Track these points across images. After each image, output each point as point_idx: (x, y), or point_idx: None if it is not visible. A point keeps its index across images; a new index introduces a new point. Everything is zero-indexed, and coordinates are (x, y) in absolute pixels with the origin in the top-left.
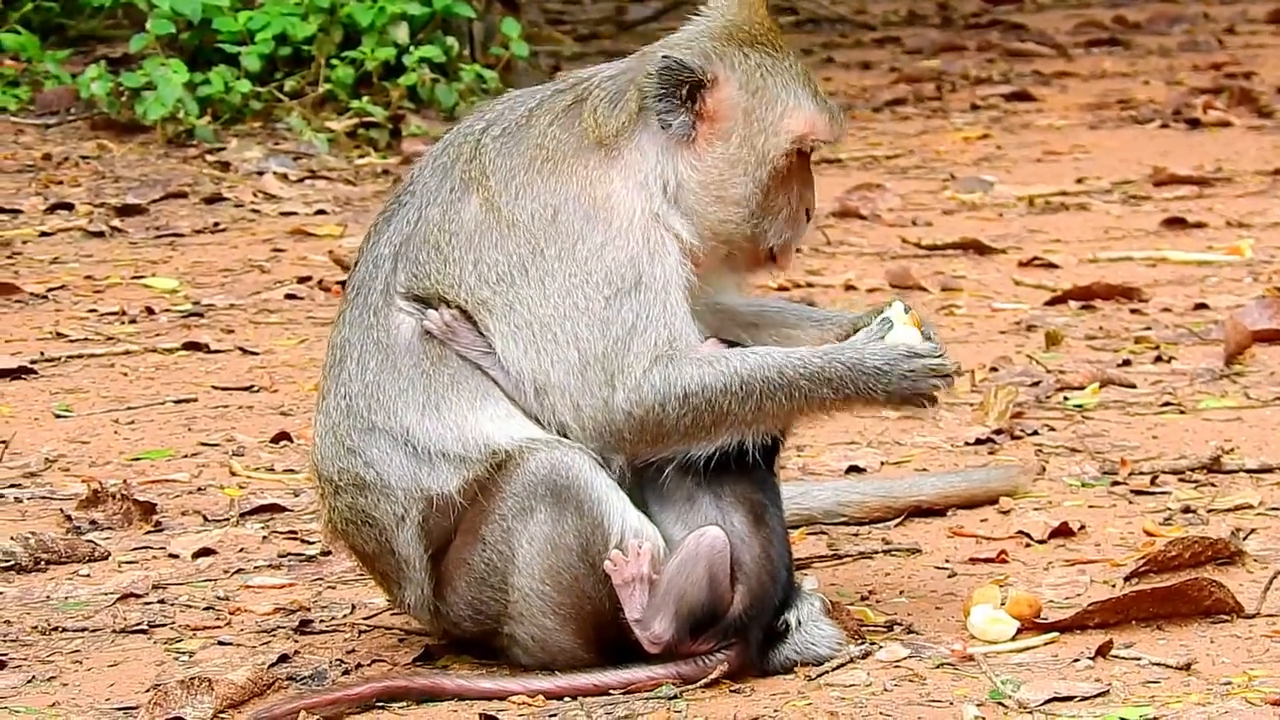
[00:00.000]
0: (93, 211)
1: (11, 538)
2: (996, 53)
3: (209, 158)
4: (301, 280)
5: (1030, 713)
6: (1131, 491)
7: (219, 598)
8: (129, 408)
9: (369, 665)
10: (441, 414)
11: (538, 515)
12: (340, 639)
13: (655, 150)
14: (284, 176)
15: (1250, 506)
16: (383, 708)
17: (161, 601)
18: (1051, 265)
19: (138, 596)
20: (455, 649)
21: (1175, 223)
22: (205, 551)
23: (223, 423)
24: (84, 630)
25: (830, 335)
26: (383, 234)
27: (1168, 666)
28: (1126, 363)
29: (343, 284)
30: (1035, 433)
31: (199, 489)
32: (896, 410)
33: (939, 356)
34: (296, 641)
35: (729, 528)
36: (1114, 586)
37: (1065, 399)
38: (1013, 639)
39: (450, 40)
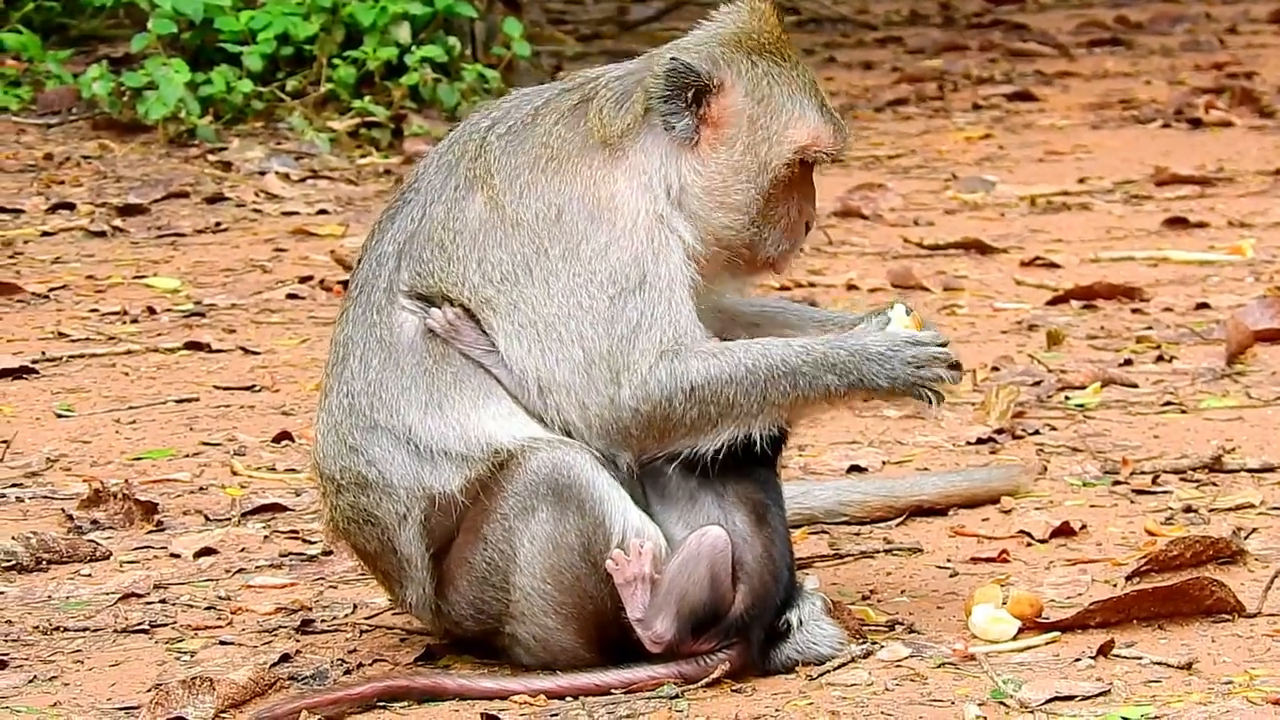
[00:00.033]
0: (94, 211)
1: (13, 537)
2: (998, 52)
3: (211, 157)
4: (303, 280)
5: (1031, 712)
6: (1133, 491)
7: (220, 597)
8: (130, 407)
9: (370, 665)
10: (444, 412)
11: (539, 514)
12: (342, 638)
13: (660, 152)
14: (286, 176)
15: (1251, 506)
16: (384, 707)
17: (163, 601)
18: (1053, 265)
19: (139, 596)
20: (457, 648)
21: (1177, 222)
22: (207, 551)
23: (224, 422)
24: (85, 630)
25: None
26: (386, 232)
27: (1169, 666)
28: (1128, 362)
29: (344, 284)
30: (1037, 432)
31: (200, 489)
32: (901, 402)
33: (942, 345)
34: (298, 641)
35: (731, 527)
36: (1115, 586)
37: (1067, 398)
38: (1014, 638)
39: (452, 40)
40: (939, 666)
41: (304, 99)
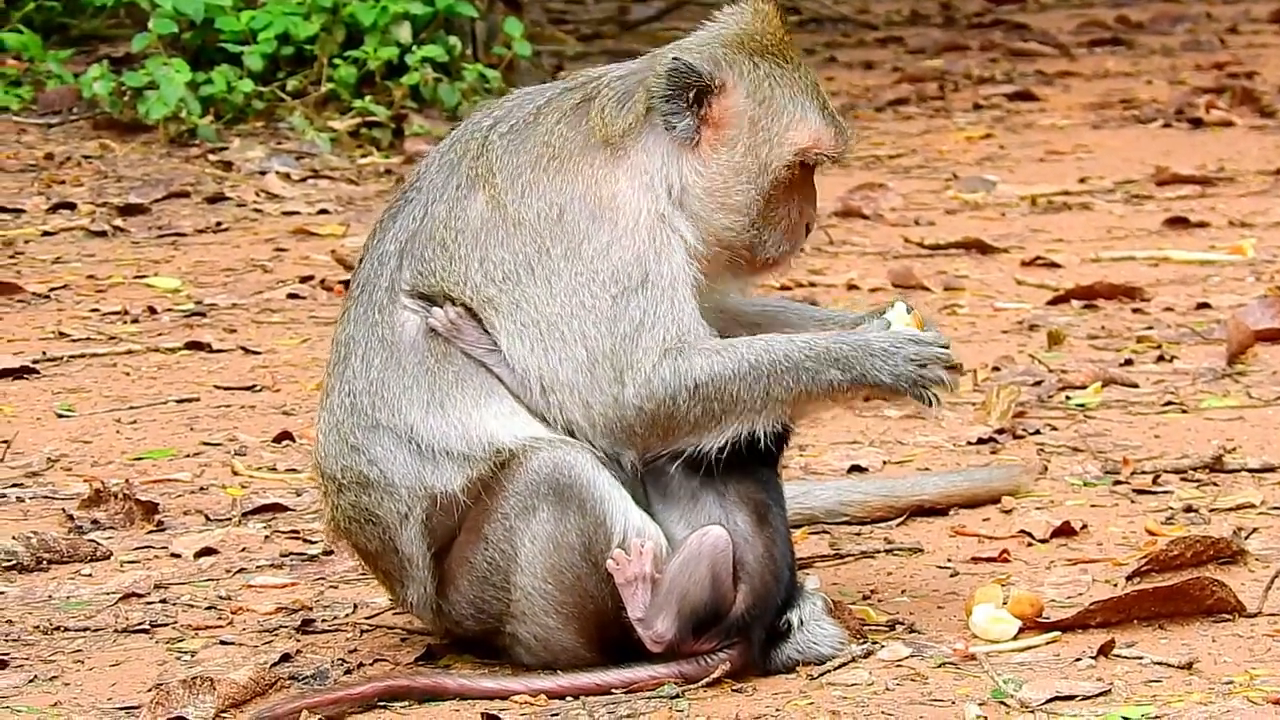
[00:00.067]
0: (95, 211)
1: (14, 537)
2: (999, 52)
3: (211, 157)
4: (304, 280)
5: (1032, 712)
6: (1133, 491)
7: (221, 597)
8: (131, 407)
9: (371, 664)
10: (446, 412)
11: (540, 514)
12: (342, 638)
13: (661, 152)
14: (286, 176)
15: (1252, 506)
16: (385, 707)
17: (163, 601)
18: (1054, 265)
19: (140, 596)
20: (457, 648)
21: (1177, 222)
22: (207, 551)
23: (225, 422)
24: (86, 630)
25: None
26: (388, 231)
27: (1169, 666)
28: (1129, 362)
29: (345, 283)
30: (1037, 432)
31: (201, 488)
32: (902, 400)
33: (944, 346)
34: (298, 641)
35: (732, 527)
36: (1116, 586)
37: (1067, 398)
38: (1014, 638)
39: (453, 40)
40: (939, 666)
41: (305, 99)
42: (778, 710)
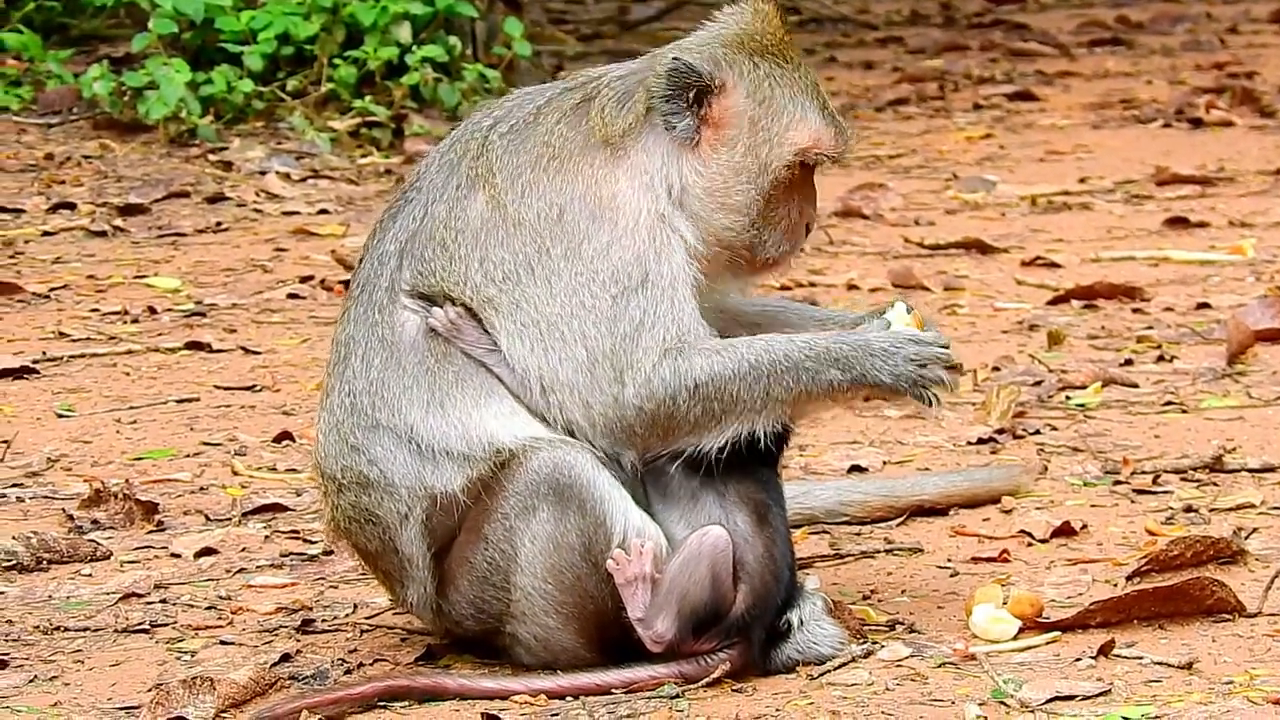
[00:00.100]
0: (95, 211)
1: (14, 537)
2: (999, 52)
3: (211, 157)
4: (304, 280)
5: (1032, 712)
6: (1133, 491)
7: (221, 597)
8: (131, 407)
9: (371, 665)
10: (446, 411)
11: (540, 514)
12: (342, 638)
13: (661, 152)
14: (286, 176)
15: (1252, 506)
16: (385, 707)
17: (163, 601)
18: (1054, 265)
19: (140, 596)
20: (457, 648)
21: (1178, 222)
22: (207, 551)
23: (225, 422)
24: (86, 630)
25: None
26: (388, 230)
27: (1170, 666)
28: (1129, 362)
29: (345, 283)
30: (1037, 432)
31: (201, 488)
32: (902, 400)
33: (944, 346)
34: (298, 641)
35: (732, 527)
36: (1116, 586)
37: (1067, 398)
38: (1014, 638)
39: (453, 40)
40: (939, 666)
41: (305, 99)
42: (778, 710)
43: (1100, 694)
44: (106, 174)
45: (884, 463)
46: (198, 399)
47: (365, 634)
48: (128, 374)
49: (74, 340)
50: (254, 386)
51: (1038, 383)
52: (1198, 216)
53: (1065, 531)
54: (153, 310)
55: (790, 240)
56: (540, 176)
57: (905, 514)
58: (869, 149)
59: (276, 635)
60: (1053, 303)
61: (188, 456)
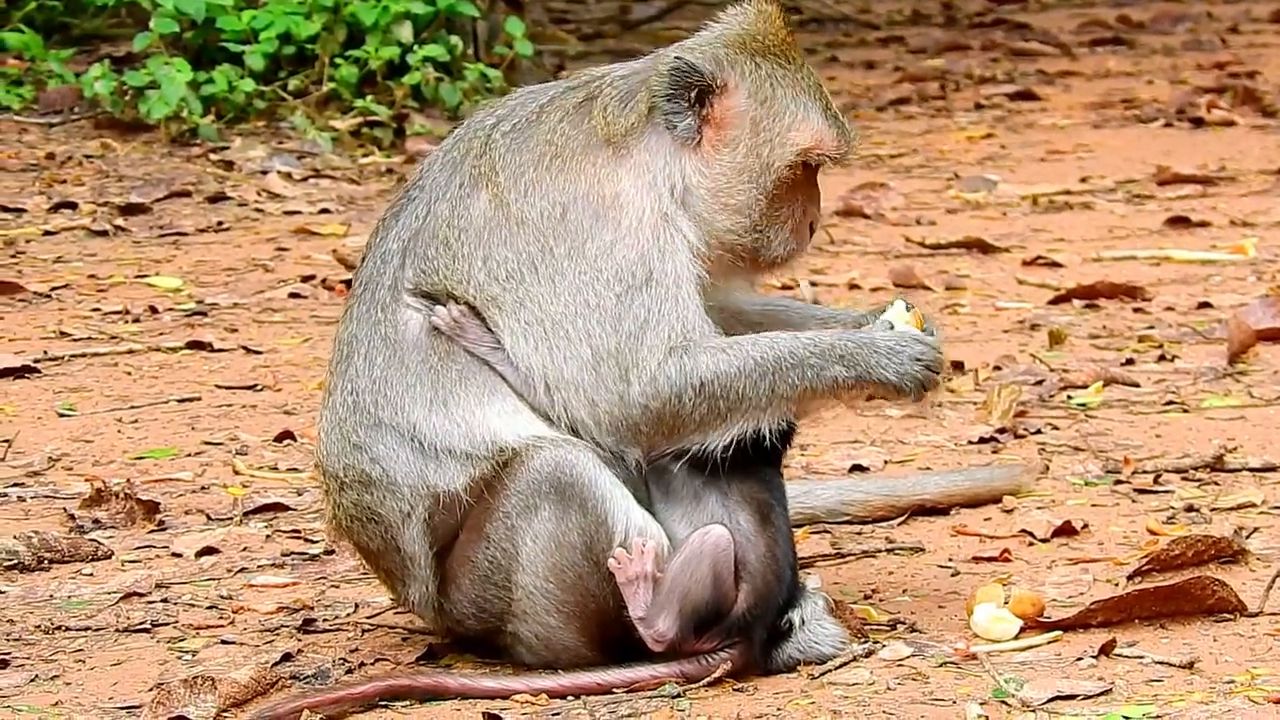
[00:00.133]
0: (96, 210)
1: (15, 537)
2: (1000, 52)
3: (213, 157)
4: (305, 279)
5: (1033, 711)
6: (1134, 490)
7: (222, 597)
8: (132, 407)
9: (372, 664)
10: (449, 410)
11: (542, 513)
12: (343, 638)
13: (664, 152)
14: (288, 175)
15: (1253, 505)
16: (386, 707)
17: (164, 600)
18: (1055, 264)
19: (141, 595)
20: (459, 647)
21: (1179, 222)
22: (208, 550)
23: (226, 422)
24: (87, 629)
25: None
26: (391, 229)
27: (1171, 665)
28: (1130, 361)
29: (347, 283)
30: (1039, 431)
31: (202, 488)
32: (903, 400)
33: (938, 350)
34: (300, 640)
35: (734, 526)
36: (1117, 585)
37: (1069, 398)
38: (1016, 638)
39: (454, 39)
40: (941, 666)
41: (306, 98)
42: (779, 710)
43: (1101, 693)
44: (108, 173)
45: (885, 462)
46: (199, 398)
47: (366, 633)
48: (129, 373)
49: (75, 340)
50: (255, 386)
51: (1039, 382)
52: (1199, 216)
53: (1066, 531)
54: (154, 310)
55: (795, 240)
56: (543, 175)
57: (907, 513)
58: (870, 148)
59: (278, 635)
60: (1054, 302)
61: (189, 456)
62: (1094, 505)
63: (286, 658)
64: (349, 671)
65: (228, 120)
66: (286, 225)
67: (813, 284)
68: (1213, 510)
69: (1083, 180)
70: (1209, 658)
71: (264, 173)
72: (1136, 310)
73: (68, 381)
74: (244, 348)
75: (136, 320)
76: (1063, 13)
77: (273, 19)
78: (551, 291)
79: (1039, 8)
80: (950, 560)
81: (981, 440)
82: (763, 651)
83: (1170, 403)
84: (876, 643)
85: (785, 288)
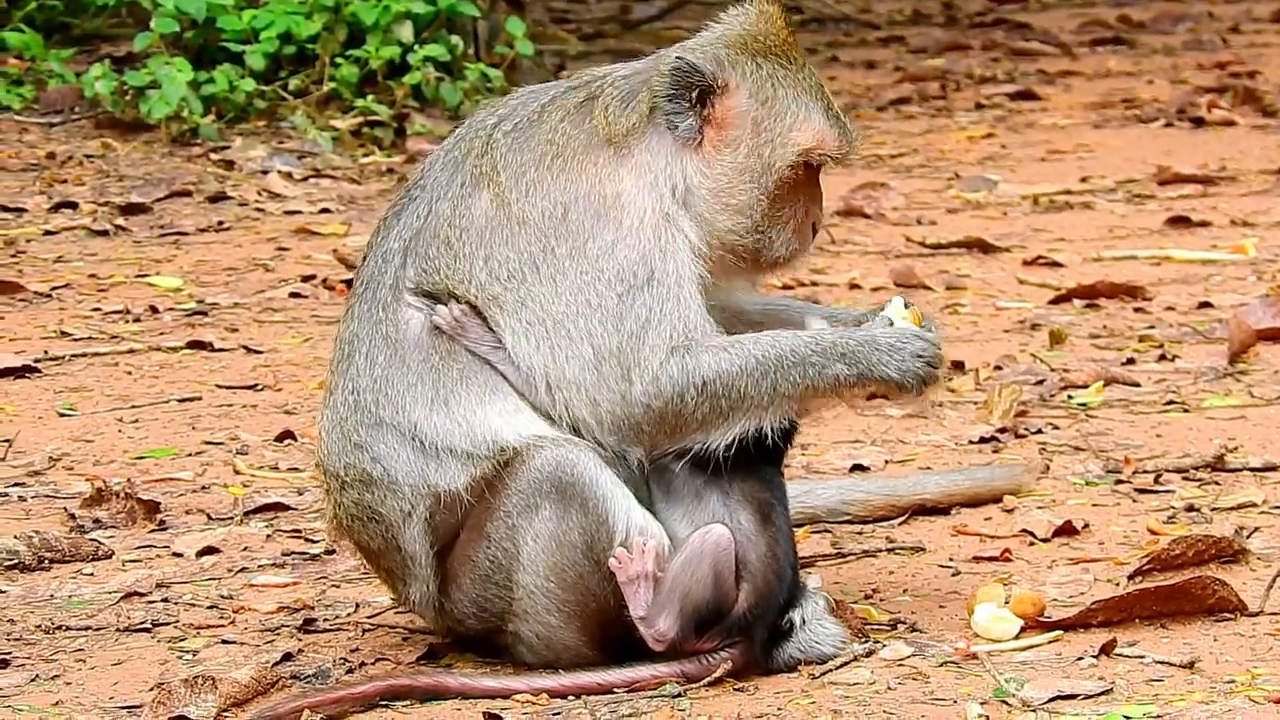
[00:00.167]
0: (97, 210)
1: (15, 536)
2: (1001, 52)
3: (213, 156)
4: (306, 279)
5: (1034, 711)
6: (1135, 490)
7: (223, 596)
8: (133, 406)
9: (373, 664)
10: (450, 409)
11: (543, 512)
12: (344, 637)
13: (666, 152)
14: (288, 175)
15: (1254, 505)
16: (386, 706)
17: (165, 600)
18: (1056, 264)
19: (141, 595)
20: (459, 647)
21: (1179, 221)
22: (209, 550)
23: (227, 421)
24: (87, 629)
25: None
26: (392, 228)
27: (1171, 665)
28: (1130, 361)
29: (347, 282)
30: (1039, 431)
31: (203, 488)
32: (907, 396)
33: (939, 346)
34: (300, 640)
35: (735, 526)
36: (1118, 585)
37: (1069, 397)
38: (1016, 637)
39: (455, 39)
40: (941, 665)
41: (306, 98)
42: (779, 709)
43: (1102, 693)
44: (108, 173)
45: (886, 462)
46: (200, 398)
47: (367, 633)
48: (129, 373)
49: (76, 339)
50: (256, 386)
51: (1040, 382)
52: (1199, 216)
53: (1067, 530)
54: (154, 309)
55: (797, 241)
56: (544, 175)
57: (907, 513)
58: (871, 148)
59: (278, 634)
60: (1054, 302)
61: (189, 455)
62: (1095, 505)
63: (287, 657)
64: (349, 671)
65: (228, 120)
66: (287, 225)
67: (813, 284)
68: (1213, 510)
69: (1083, 180)
70: (1209, 657)
71: (264, 172)
72: (1137, 310)
73: (68, 381)
74: (244, 347)
75: (137, 320)
76: (1063, 12)
77: (273, 18)
78: (553, 291)
79: (1039, 7)
80: (951, 560)
81: (982, 440)
82: (763, 651)
83: (1171, 402)
84: (877, 642)
85: (786, 287)
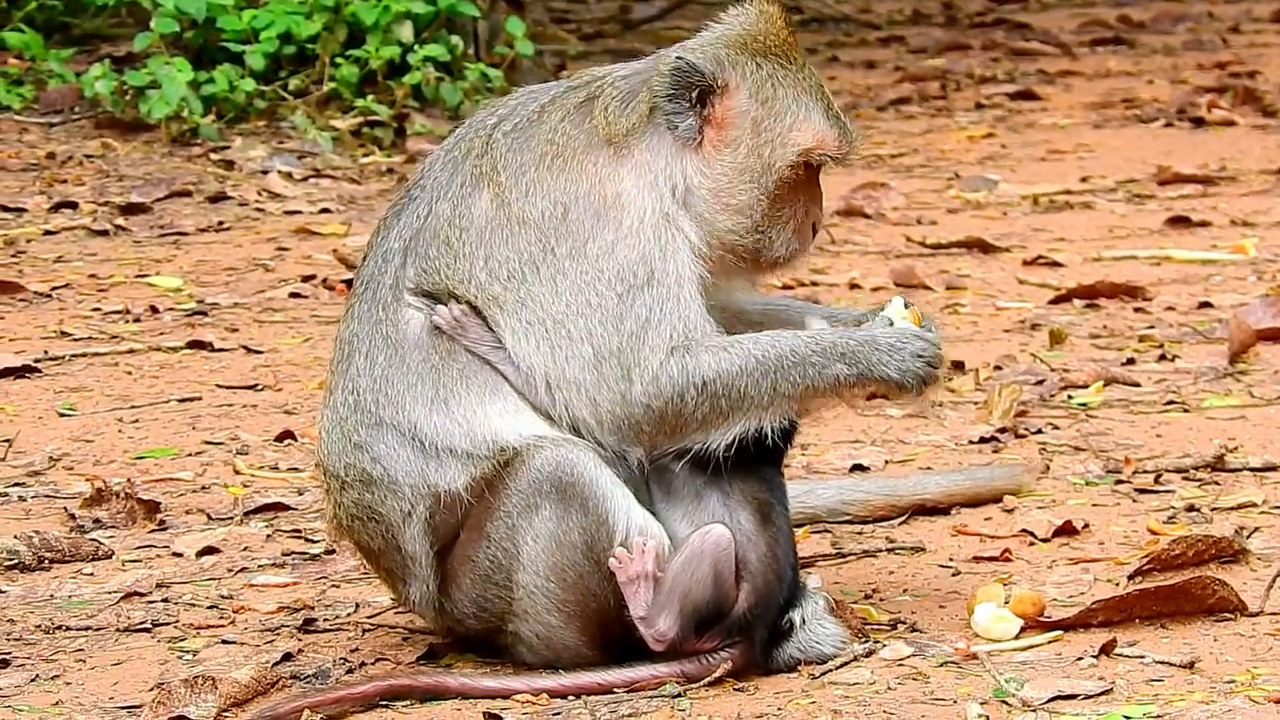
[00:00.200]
0: (97, 210)
1: (15, 536)
2: (1001, 51)
3: (213, 156)
4: (306, 279)
5: (1034, 711)
6: (1135, 490)
7: (223, 596)
8: (133, 406)
9: (373, 664)
10: (450, 409)
11: (543, 512)
12: (344, 637)
13: (666, 152)
14: (288, 175)
15: (1254, 505)
16: (386, 706)
17: (165, 600)
18: (1056, 264)
19: (141, 595)
20: (459, 647)
21: (1179, 221)
22: (209, 550)
23: (227, 421)
24: (88, 629)
25: None
26: (392, 228)
27: (1171, 665)
28: (1130, 361)
29: (347, 282)
30: (1039, 431)
31: (203, 487)
32: (905, 397)
33: (939, 346)
34: (300, 640)
35: (735, 526)
36: (1118, 585)
37: (1069, 397)
38: (1016, 637)
39: (455, 39)
40: (941, 665)
41: (306, 98)
42: (779, 709)
43: (1102, 693)
44: (108, 173)
45: (886, 462)
46: (200, 398)
47: (367, 633)
48: (129, 373)
49: (76, 339)
50: (256, 386)
51: (1040, 382)
52: (1199, 216)
53: (1067, 530)
54: (155, 309)
55: (797, 241)
56: (544, 175)
57: (907, 513)
58: (871, 148)
59: (278, 634)
60: (1054, 302)
61: (190, 455)
62: (1095, 505)
63: (287, 657)
64: (349, 671)
65: (228, 120)
66: (287, 225)
67: (813, 284)
68: (1213, 510)
69: (1083, 180)
70: (1209, 657)
71: (264, 172)
72: (1137, 310)
73: (68, 381)
74: (244, 347)
75: (137, 320)
76: (1063, 12)
77: (273, 18)
78: (553, 291)
79: (1039, 7)
80: (951, 560)
81: (982, 440)
82: (763, 651)
83: (1171, 402)
84: (877, 642)
85: (786, 287)
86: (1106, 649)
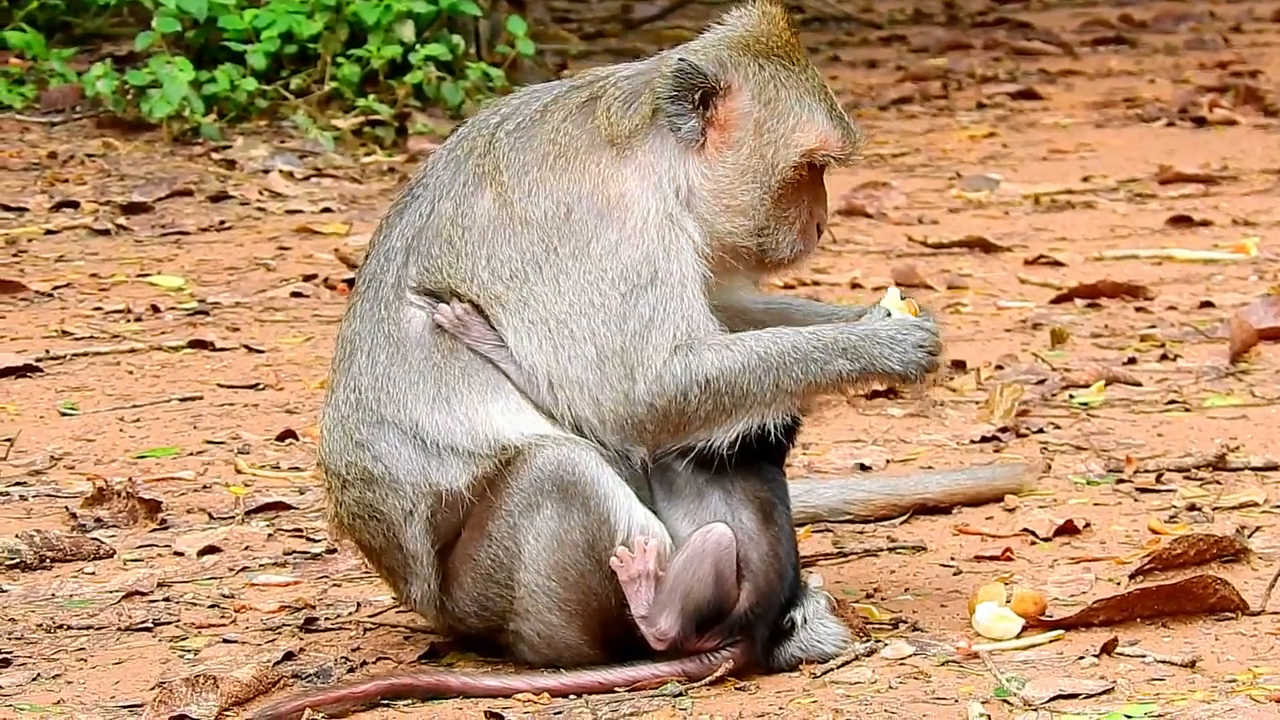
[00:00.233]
0: (98, 209)
1: (17, 535)
2: (1003, 51)
3: (215, 156)
4: (307, 278)
5: (1035, 710)
6: (1137, 489)
7: (224, 595)
8: (134, 406)
9: (374, 663)
10: (452, 407)
11: (544, 511)
12: (345, 636)
13: (669, 154)
14: (290, 174)
15: (1255, 504)
16: (388, 705)
17: (166, 599)
18: (1057, 263)
19: (143, 594)
20: (460, 646)
21: (1181, 221)
22: (210, 549)
23: (228, 421)
24: (89, 628)
25: None
26: (394, 227)
27: (1172, 664)
28: (1132, 361)
29: (349, 282)
30: (1041, 430)
31: (204, 487)
32: (910, 386)
33: (938, 335)
34: (302, 639)
35: (737, 525)
36: (1119, 584)
37: (1071, 397)
38: (1018, 636)
39: (456, 38)
40: (943, 664)
41: (308, 97)
42: (781, 708)
43: (1103, 692)
44: (110, 172)
45: (888, 461)
46: (201, 397)
47: (368, 632)
48: (131, 372)
49: (77, 339)
50: (257, 385)
51: (1041, 381)
52: (1201, 215)
53: (1068, 530)
54: (156, 309)
55: (802, 242)
56: (547, 175)
57: (909, 512)
58: (873, 147)
59: (279, 633)
60: (1056, 301)
61: (191, 455)
62: (1096, 504)
63: (288, 656)
64: (351, 670)
65: (230, 119)
66: (288, 224)
67: (815, 283)
68: (1215, 509)
69: (1085, 179)
70: (1211, 657)
71: (266, 172)
72: (1138, 309)
73: (70, 380)
74: (246, 347)
75: (138, 319)
76: (1065, 12)
77: (275, 18)
78: (556, 291)
79: (1041, 7)
80: (952, 559)
81: (984, 439)
82: (765, 650)
83: (1172, 402)
84: (878, 641)
85: (787, 287)
86: (1108, 648)
